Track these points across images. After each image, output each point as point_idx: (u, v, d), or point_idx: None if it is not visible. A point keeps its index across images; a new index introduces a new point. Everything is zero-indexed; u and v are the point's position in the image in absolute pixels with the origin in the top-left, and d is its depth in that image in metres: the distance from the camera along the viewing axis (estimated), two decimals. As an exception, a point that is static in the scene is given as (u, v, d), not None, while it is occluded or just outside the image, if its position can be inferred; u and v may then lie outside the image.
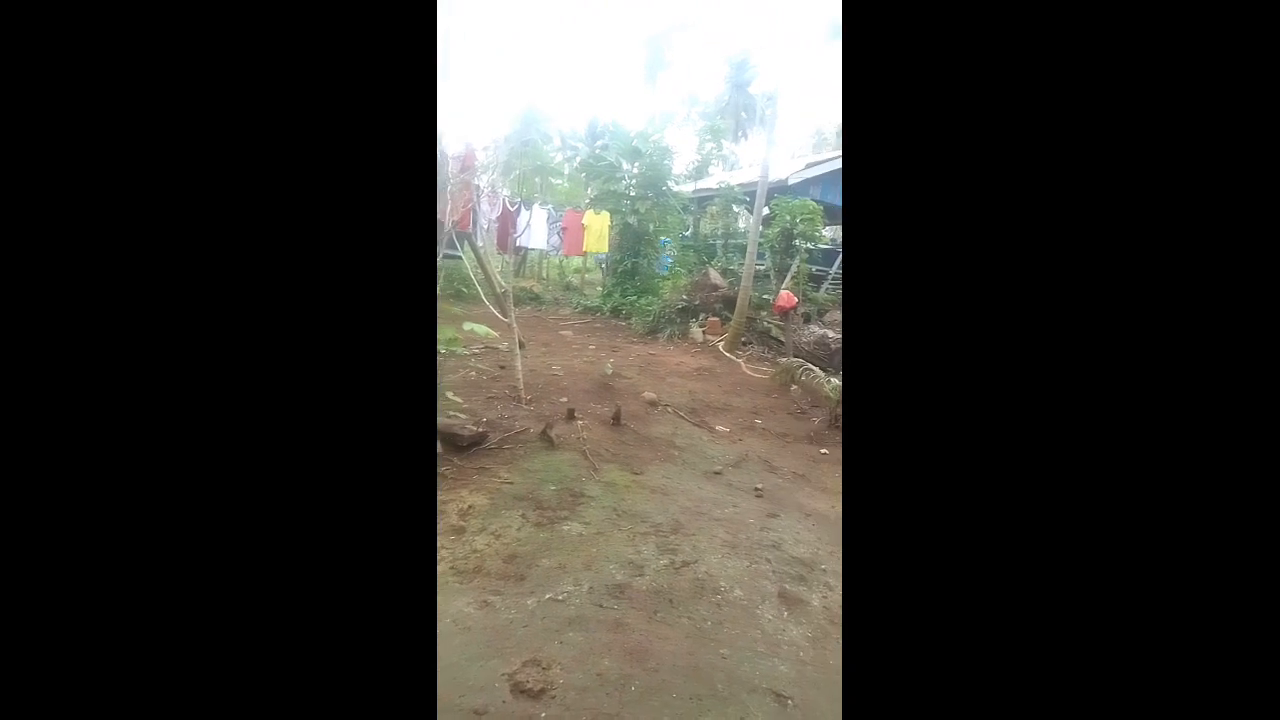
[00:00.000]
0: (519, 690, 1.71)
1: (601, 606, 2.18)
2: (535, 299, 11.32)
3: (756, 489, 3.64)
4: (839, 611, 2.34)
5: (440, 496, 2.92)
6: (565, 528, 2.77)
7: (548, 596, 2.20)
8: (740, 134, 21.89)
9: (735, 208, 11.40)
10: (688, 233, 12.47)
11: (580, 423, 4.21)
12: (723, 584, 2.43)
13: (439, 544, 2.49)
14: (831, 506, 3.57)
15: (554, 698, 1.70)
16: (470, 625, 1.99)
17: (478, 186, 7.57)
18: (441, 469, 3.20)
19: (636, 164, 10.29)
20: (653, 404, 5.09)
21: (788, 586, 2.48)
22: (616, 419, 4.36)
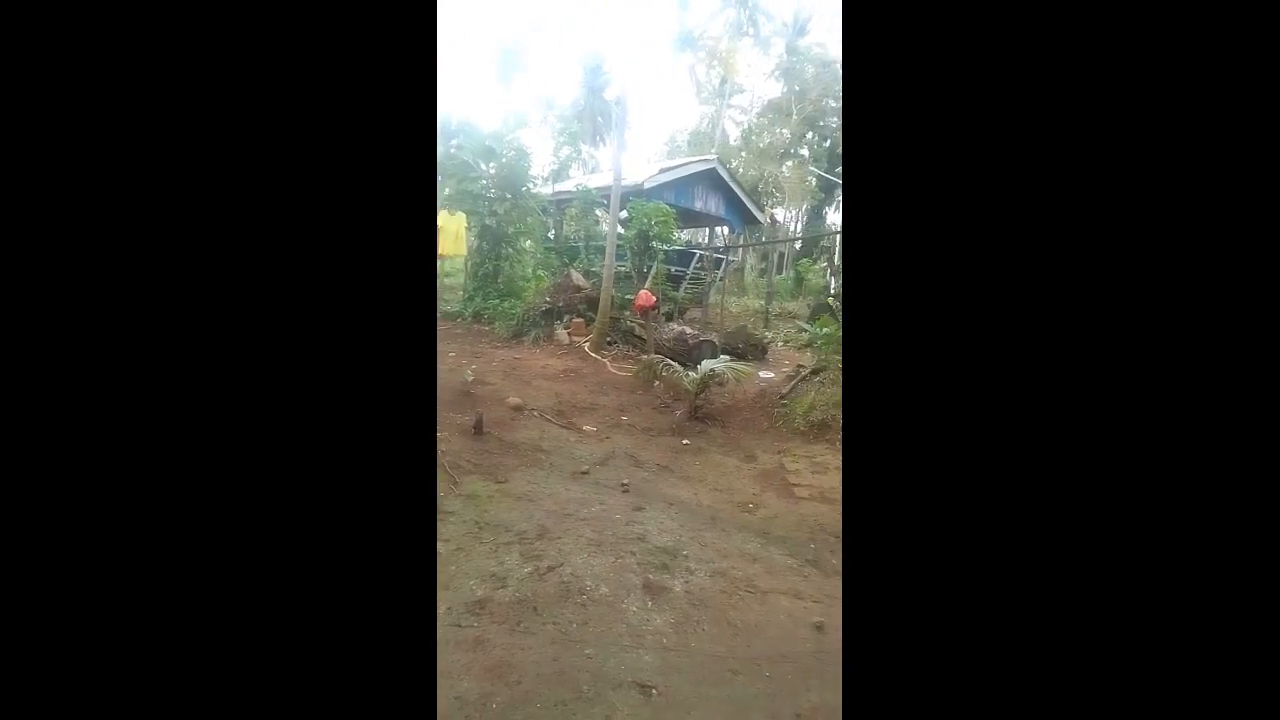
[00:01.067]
0: (364, 733, 1.56)
1: (460, 626, 2.06)
2: (387, 307, 10.48)
3: (623, 484, 3.69)
4: (700, 594, 2.45)
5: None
6: (420, 548, 2.59)
7: (399, 624, 2.03)
8: (598, 138, 22.19)
9: (598, 211, 11.51)
10: (550, 235, 12.35)
11: (439, 434, 3.98)
12: (588, 583, 2.42)
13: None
14: (693, 494, 3.73)
15: (405, 733, 1.57)
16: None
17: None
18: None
19: (492, 165, 9.97)
20: (518, 409, 4.95)
21: (652, 576, 2.53)
22: (478, 428, 4.18)
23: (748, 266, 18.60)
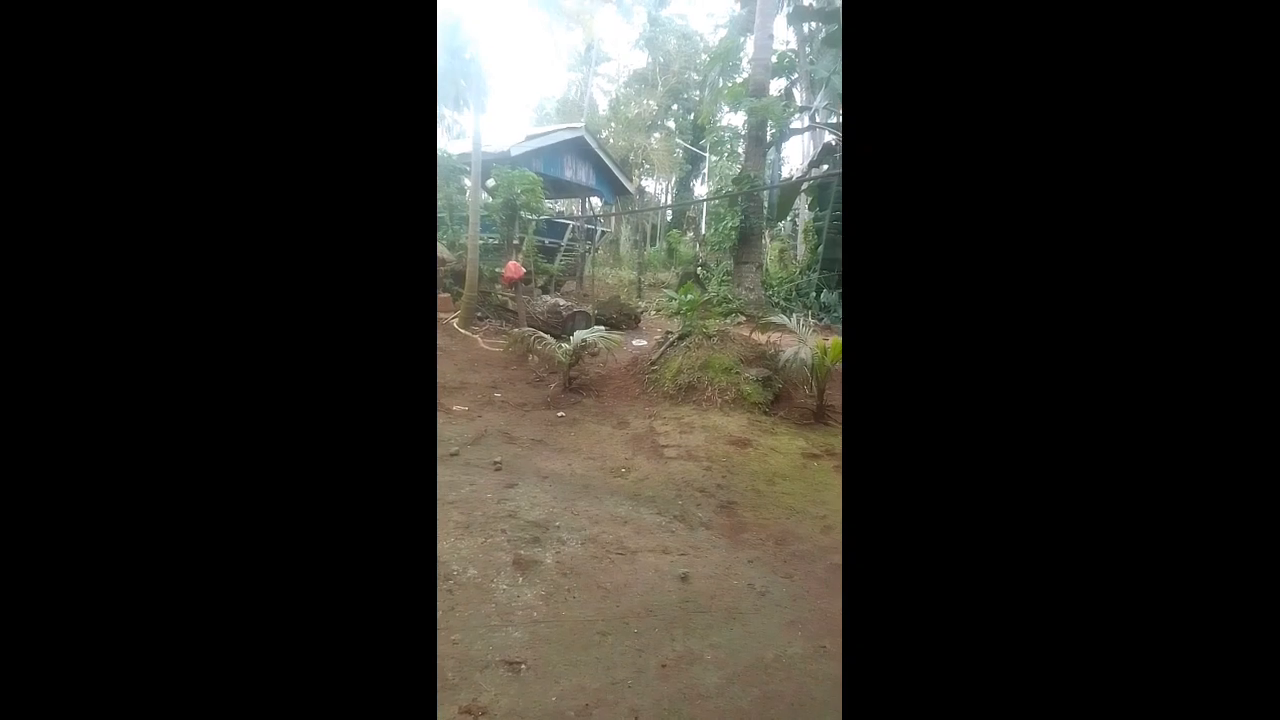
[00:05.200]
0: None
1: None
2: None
3: (495, 463, 3.58)
4: (571, 564, 2.45)
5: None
6: (257, 553, 2.32)
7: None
8: (460, 101, 20.83)
9: (463, 179, 10.84)
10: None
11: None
12: (455, 568, 2.32)
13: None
14: (567, 465, 3.71)
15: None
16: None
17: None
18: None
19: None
20: (376, 394, 4.59)
21: (522, 552, 2.49)
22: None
23: (622, 238, 18.69)
